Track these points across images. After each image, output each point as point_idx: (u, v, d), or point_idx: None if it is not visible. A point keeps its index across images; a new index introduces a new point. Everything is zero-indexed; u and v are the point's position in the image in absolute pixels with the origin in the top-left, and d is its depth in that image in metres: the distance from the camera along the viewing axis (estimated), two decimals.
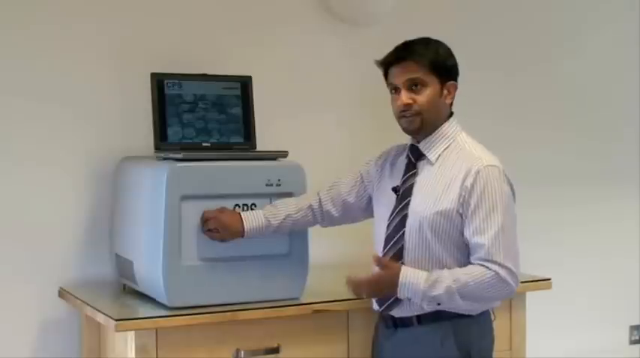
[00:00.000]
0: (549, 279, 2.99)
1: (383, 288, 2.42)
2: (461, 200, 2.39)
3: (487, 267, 2.35)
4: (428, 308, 2.40)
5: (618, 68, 3.99)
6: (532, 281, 2.99)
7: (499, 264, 2.34)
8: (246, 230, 2.53)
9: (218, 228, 2.50)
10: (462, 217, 2.40)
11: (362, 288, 2.44)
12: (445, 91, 2.48)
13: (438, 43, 2.50)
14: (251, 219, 2.54)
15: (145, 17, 3.01)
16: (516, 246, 2.40)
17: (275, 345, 2.58)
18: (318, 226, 2.70)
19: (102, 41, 2.94)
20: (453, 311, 2.42)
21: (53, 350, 2.88)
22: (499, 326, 2.62)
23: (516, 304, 2.94)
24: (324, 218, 2.67)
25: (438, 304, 2.38)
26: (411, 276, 2.36)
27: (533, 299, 2.99)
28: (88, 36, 2.92)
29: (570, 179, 3.84)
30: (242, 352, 2.53)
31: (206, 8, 3.10)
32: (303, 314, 2.60)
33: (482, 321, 2.50)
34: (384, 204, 2.56)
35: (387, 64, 2.50)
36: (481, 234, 2.36)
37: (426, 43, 2.49)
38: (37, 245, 2.87)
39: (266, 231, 2.56)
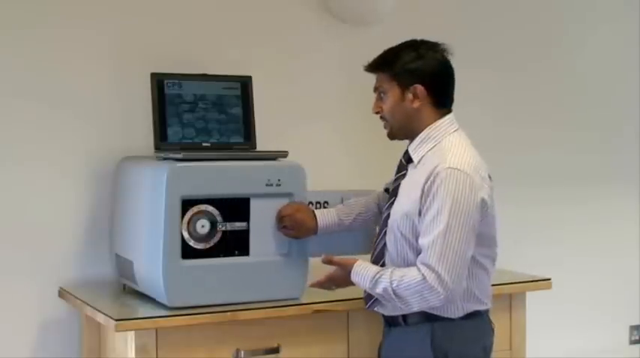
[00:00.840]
0: (549, 279, 2.99)
1: (341, 284, 2.53)
2: (422, 200, 2.38)
3: (419, 269, 2.32)
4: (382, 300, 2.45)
5: (618, 67, 3.99)
6: (532, 281, 2.99)
7: (430, 268, 2.30)
8: (319, 227, 2.63)
9: (293, 226, 2.58)
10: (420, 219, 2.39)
11: (324, 286, 2.57)
12: (409, 95, 2.47)
13: (411, 47, 2.50)
14: (324, 217, 2.65)
15: (145, 17, 3.01)
16: (457, 254, 2.30)
17: (275, 345, 2.58)
18: None
19: (102, 41, 2.94)
20: (430, 312, 2.41)
21: (53, 350, 2.88)
22: (499, 326, 2.62)
23: (516, 304, 2.94)
24: None
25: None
26: (360, 275, 2.43)
27: (533, 299, 2.99)
28: (88, 36, 2.92)
29: (570, 178, 3.84)
30: (242, 352, 2.53)
31: (206, 8, 3.10)
32: (303, 314, 2.60)
33: (470, 327, 2.46)
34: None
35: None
36: (424, 236, 2.34)
37: (397, 50, 2.51)
38: (37, 245, 2.87)
39: (338, 229, 2.68)
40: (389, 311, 2.50)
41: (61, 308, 2.86)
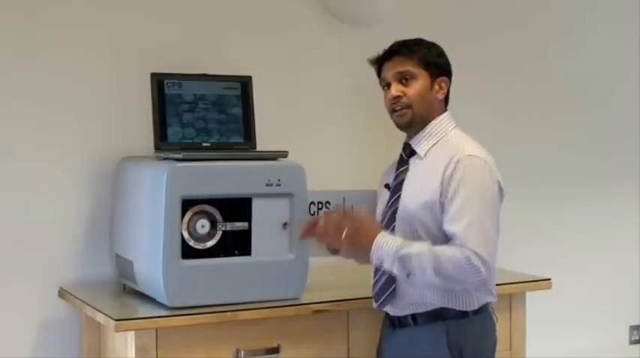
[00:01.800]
0: (549, 279, 2.99)
1: (361, 234, 2.38)
2: (441, 189, 2.39)
3: (461, 251, 2.31)
4: (397, 273, 2.35)
5: (618, 67, 3.99)
6: (532, 281, 2.99)
7: (471, 250, 2.31)
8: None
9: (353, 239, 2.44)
10: (442, 207, 2.40)
11: (342, 223, 2.40)
12: (436, 86, 2.51)
13: (430, 43, 2.56)
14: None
15: (145, 17, 3.01)
16: (492, 238, 2.36)
17: (275, 345, 2.58)
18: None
19: (102, 41, 2.94)
20: (448, 306, 2.41)
21: (53, 350, 2.88)
22: (499, 326, 2.62)
23: (516, 304, 2.94)
24: None
25: (408, 275, 2.34)
26: (388, 236, 2.38)
27: (533, 299, 2.99)
28: (88, 36, 2.92)
29: (570, 178, 3.84)
30: (242, 352, 2.53)
31: (206, 8, 3.10)
32: (303, 314, 2.60)
33: (479, 323, 2.48)
34: (381, 202, 2.60)
35: (379, 61, 2.56)
36: (456, 223, 2.34)
37: (417, 42, 2.55)
38: (37, 245, 2.87)
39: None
40: (398, 311, 2.48)
41: (61, 308, 2.86)
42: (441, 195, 2.39)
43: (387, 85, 2.54)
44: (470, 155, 2.40)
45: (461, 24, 3.51)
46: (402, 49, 2.52)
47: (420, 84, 2.49)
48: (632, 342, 4.07)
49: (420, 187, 2.45)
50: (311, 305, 2.61)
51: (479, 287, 2.41)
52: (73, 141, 2.91)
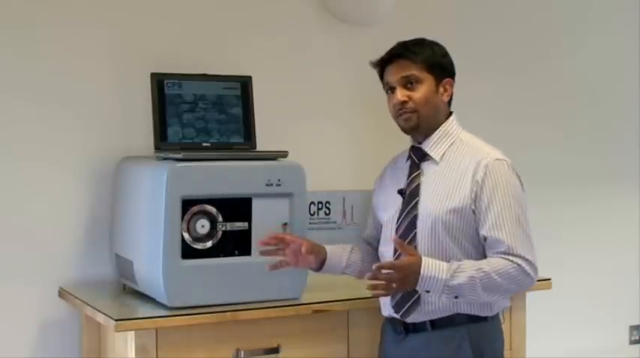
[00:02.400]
0: (549, 279, 2.98)
1: (408, 275, 2.29)
2: (473, 196, 2.39)
3: (509, 260, 2.34)
4: (446, 300, 2.37)
5: (618, 67, 3.99)
6: None
7: (521, 257, 2.34)
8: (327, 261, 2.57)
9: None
10: (474, 213, 2.40)
11: (392, 277, 2.29)
12: (441, 89, 2.50)
13: (432, 43, 2.53)
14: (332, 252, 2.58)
15: (145, 17, 3.01)
16: (532, 238, 2.40)
17: (275, 345, 2.58)
18: None
19: (102, 41, 2.94)
20: (466, 312, 2.41)
21: (53, 350, 2.88)
22: None
23: (516, 304, 2.93)
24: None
25: (456, 297, 2.35)
26: (432, 265, 2.31)
27: (533, 299, 2.99)
28: (88, 36, 2.92)
29: (570, 178, 3.84)
30: (242, 352, 2.53)
31: (206, 8, 3.10)
32: (303, 314, 2.60)
33: (494, 324, 2.49)
34: (389, 209, 2.55)
35: (382, 63, 2.53)
36: (499, 230, 2.36)
37: (420, 42, 2.52)
38: (37, 245, 2.86)
39: (339, 269, 2.61)
40: (416, 318, 2.44)
41: (61, 308, 2.86)
42: (473, 201, 2.39)
43: (390, 89, 2.51)
44: (497, 159, 2.42)
45: (461, 24, 3.51)
46: (405, 52, 2.48)
47: (425, 88, 2.46)
48: (632, 342, 4.07)
49: (444, 192, 2.42)
50: (311, 305, 2.61)
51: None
52: (73, 141, 2.91)
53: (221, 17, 3.13)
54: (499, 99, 3.66)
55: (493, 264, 2.34)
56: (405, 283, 2.31)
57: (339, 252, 2.61)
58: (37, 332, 2.88)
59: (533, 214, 3.64)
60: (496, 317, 2.50)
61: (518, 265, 2.33)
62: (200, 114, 2.77)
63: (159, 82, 2.75)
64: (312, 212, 3.19)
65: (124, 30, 2.97)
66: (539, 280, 2.95)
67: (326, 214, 3.23)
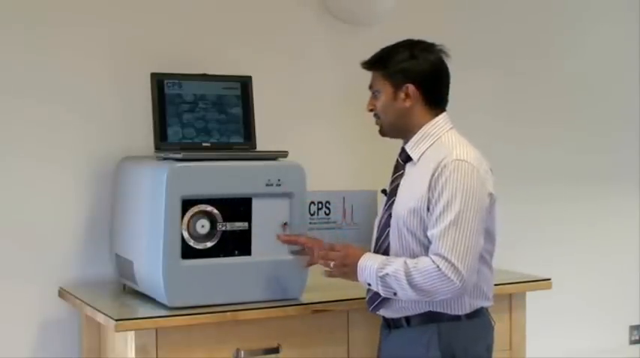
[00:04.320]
0: (549, 279, 2.99)
1: (346, 259, 2.45)
2: (428, 195, 2.38)
3: (432, 260, 2.31)
4: (385, 295, 2.39)
5: (618, 65, 3.99)
6: (532, 281, 2.99)
7: (443, 258, 2.30)
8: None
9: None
10: (429, 211, 2.40)
11: (328, 256, 2.48)
12: (401, 94, 2.48)
13: (393, 47, 2.53)
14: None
15: (145, 17, 3.01)
16: (470, 243, 2.31)
17: (275, 345, 2.58)
18: None
19: (102, 41, 2.94)
20: (437, 310, 2.41)
21: (53, 350, 2.88)
22: (499, 326, 2.62)
23: (516, 304, 2.94)
24: None
25: (395, 294, 2.37)
26: (371, 257, 2.43)
27: (533, 299, 2.99)
28: (88, 36, 2.92)
29: (570, 177, 3.84)
30: (242, 352, 2.53)
31: (206, 8, 3.10)
32: (303, 314, 2.60)
33: (473, 325, 2.46)
34: (379, 209, 2.61)
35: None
36: (435, 227, 2.34)
37: (385, 52, 2.53)
38: (37, 245, 2.87)
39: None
40: (392, 313, 2.49)
41: (61, 308, 2.86)
42: (428, 200, 2.38)
43: None
44: (456, 159, 2.37)
45: (461, 24, 3.51)
46: (370, 64, 2.55)
47: (383, 97, 2.51)
48: (632, 342, 4.07)
49: (410, 193, 2.45)
50: (311, 305, 2.62)
51: (457, 297, 2.38)
52: (73, 141, 2.91)
53: (221, 17, 3.13)
54: (499, 97, 3.67)
55: (419, 261, 2.34)
56: (344, 266, 2.45)
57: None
58: (37, 332, 2.88)
59: (533, 213, 3.68)
60: (475, 317, 2.46)
61: (437, 267, 2.29)
62: (200, 114, 2.77)
63: (159, 82, 2.75)
64: (312, 212, 3.19)
65: (125, 30, 2.97)
66: (539, 280, 2.99)
67: (326, 214, 3.23)
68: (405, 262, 2.35)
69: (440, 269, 2.29)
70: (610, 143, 3.96)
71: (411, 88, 2.47)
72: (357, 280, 2.45)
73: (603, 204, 3.93)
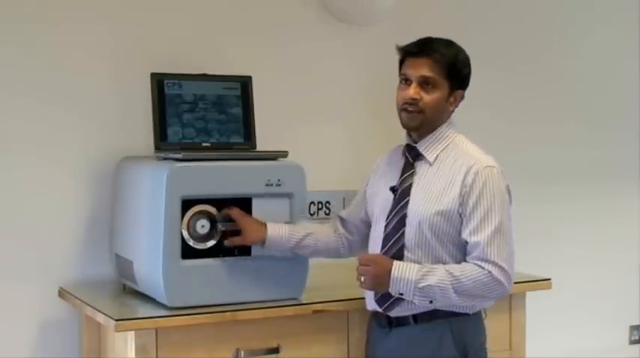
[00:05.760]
0: (549, 279, 2.99)
1: (378, 269, 2.40)
2: (460, 200, 2.41)
3: (481, 266, 2.36)
4: (420, 304, 2.39)
5: (618, 65, 4.00)
6: (532, 281, 2.99)
7: (493, 263, 2.36)
8: (268, 236, 2.54)
9: (241, 231, 2.53)
10: (461, 217, 2.42)
11: (363, 269, 2.43)
12: (452, 98, 2.51)
13: (459, 49, 2.53)
14: (274, 227, 2.55)
15: (145, 17, 3.01)
16: (512, 248, 2.41)
17: (275, 345, 2.58)
18: (339, 259, 2.73)
19: (102, 41, 2.94)
20: (447, 309, 2.43)
21: (53, 350, 2.88)
22: (499, 325, 2.63)
23: (516, 304, 2.94)
24: (344, 242, 2.69)
25: (430, 302, 2.38)
26: (404, 266, 2.39)
27: (533, 299, 2.99)
28: (88, 36, 2.92)
29: (570, 176, 3.84)
30: (242, 352, 2.53)
31: (206, 8, 3.10)
32: (303, 314, 2.60)
33: (475, 319, 2.51)
34: (379, 204, 2.57)
35: (407, 53, 2.52)
36: (477, 234, 2.38)
37: (449, 44, 2.52)
38: (37, 245, 2.87)
39: (287, 244, 2.57)
40: (399, 312, 2.47)
41: (61, 308, 2.86)
42: (460, 205, 2.41)
43: (405, 81, 2.50)
44: (488, 166, 2.43)
45: (461, 23, 3.51)
46: (432, 52, 2.47)
47: (439, 93, 2.48)
48: (632, 342, 4.07)
49: (434, 194, 2.44)
50: (311, 305, 2.61)
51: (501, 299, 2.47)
52: (73, 141, 2.91)
53: (221, 17, 3.13)
54: (499, 97, 3.66)
55: (465, 268, 2.37)
56: (376, 278, 2.40)
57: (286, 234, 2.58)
58: (37, 332, 2.88)
59: (533, 213, 3.68)
60: (478, 312, 2.52)
61: (489, 272, 2.36)
62: (200, 114, 2.77)
63: (159, 82, 2.75)
64: (312, 212, 3.19)
65: (125, 30, 2.97)
66: (539, 280, 2.99)
67: (326, 214, 3.23)
68: (448, 271, 2.37)
69: (492, 275, 2.35)
70: (610, 142, 3.96)
71: (460, 94, 2.53)
72: (388, 290, 2.42)
73: (603, 204, 3.93)
